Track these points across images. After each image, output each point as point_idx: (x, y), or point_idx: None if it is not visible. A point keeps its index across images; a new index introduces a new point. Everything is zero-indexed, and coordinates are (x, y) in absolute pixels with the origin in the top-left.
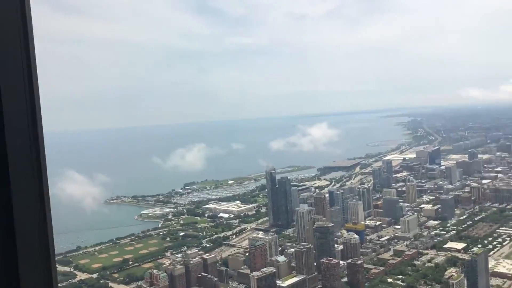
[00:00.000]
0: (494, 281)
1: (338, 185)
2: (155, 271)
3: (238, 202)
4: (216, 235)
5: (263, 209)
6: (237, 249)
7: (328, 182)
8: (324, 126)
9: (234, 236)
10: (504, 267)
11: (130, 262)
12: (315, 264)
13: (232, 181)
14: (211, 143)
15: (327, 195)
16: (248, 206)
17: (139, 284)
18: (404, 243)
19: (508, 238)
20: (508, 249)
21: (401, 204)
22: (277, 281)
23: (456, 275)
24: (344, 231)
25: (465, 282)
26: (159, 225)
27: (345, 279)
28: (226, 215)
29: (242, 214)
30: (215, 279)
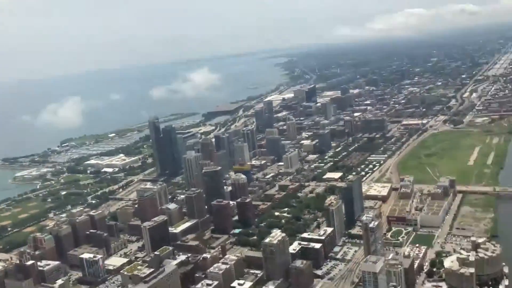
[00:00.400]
0: (367, 203)
1: (223, 129)
2: (38, 234)
3: (121, 155)
4: (101, 191)
5: (149, 160)
6: (126, 202)
7: (214, 127)
8: (205, 71)
9: (121, 190)
10: (375, 190)
11: (9, 229)
12: (206, 207)
13: (113, 134)
14: (86, 96)
15: (213, 140)
16: (133, 158)
17: (21, 250)
18: (288, 178)
19: (378, 164)
20: (378, 174)
21: (283, 142)
22: (170, 228)
23: (335, 201)
24: (232, 173)
25: (343, 206)
26: (38, 187)
27: (236, 217)
28: (110, 170)
29: (127, 167)
30: (105, 234)
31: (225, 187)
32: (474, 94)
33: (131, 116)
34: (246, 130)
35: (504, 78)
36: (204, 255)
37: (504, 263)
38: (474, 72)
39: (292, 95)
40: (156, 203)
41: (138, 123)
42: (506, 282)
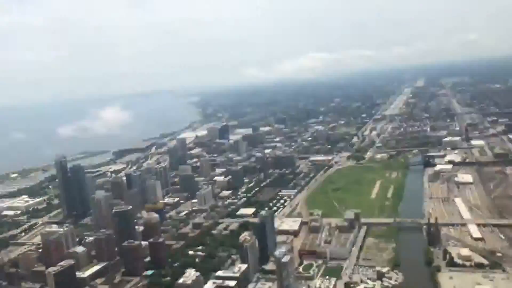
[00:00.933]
0: (280, 238)
1: (135, 167)
2: None
3: (25, 196)
4: (1, 236)
5: (56, 201)
6: (29, 247)
7: (125, 165)
8: (117, 109)
9: (23, 234)
10: (287, 224)
11: None
12: (116, 249)
13: (15, 174)
14: None
15: (124, 178)
16: (38, 200)
17: None
18: (202, 215)
19: (288, 199)
20: (289, 208)
21: (196, 179)
22: (77, 273)
23: (249, 238)
24: (144, 212)
25: (257, 242)
26: None
27: (148, 258)
28: (11, 213)
29: (31, 209)
30: (4, 283)
31: (136, 227)
32: (373, 132)
33: (36, 155)
34: (159, 168)
35: (399, 117)
36: None
37: None
38: (373, 112)
39: (205, 132)
40: (62, 246)
41: (43, 162)
42: None
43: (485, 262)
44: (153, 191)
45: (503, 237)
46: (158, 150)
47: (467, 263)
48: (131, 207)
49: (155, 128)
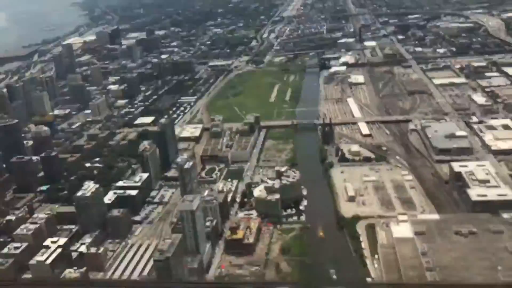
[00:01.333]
0: (181, 145)
1: (16, 77)
2: None
3: None
4: None
5: None
6: None
7: (4, 76)
8: None
9: None
10: (188, 131)
11: None
12: (4, 165)
13: None
14: None
15: (5, 90)
16: None
17: None
18: (97, 127)
19: (188, 106)
20: (189, 115)
21: (88, 88)
22: None
23: (149, 146)
24: (32, 125)
25: (157, 151)
26: None
27: (42, 173)
28: None
29: None
30: None
31: (25, 141)
32: (272, 35)
33: None
34: (45, 78)
35: (297, 19)
36: (8, 217)
37: (303, 186)
38: (271, 14)
39: (94, 37)
40: None
41: None
42: (305, 202)
43: (372, 156)
44: (40, 103)
45: (388, 133)
46: (41, 58)
47: (357, 158)
48: (17, 120)
49: (35, 33)
